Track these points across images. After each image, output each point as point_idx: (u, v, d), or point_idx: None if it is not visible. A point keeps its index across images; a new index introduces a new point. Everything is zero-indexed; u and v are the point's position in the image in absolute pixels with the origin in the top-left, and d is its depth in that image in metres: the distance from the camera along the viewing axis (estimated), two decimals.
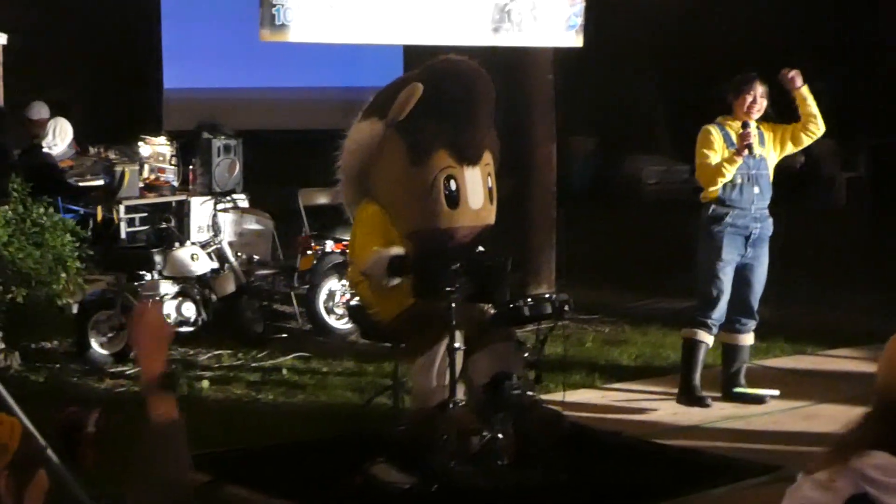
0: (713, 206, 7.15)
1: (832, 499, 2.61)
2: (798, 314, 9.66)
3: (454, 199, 6.10)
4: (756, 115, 7.16)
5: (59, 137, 10.55)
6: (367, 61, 13.44)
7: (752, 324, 7.35)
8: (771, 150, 7.22)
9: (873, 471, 2.57)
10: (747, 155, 7.03)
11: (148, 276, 8.65)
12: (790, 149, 7.29)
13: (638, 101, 18.58)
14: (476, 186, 6.16)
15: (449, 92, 6.08)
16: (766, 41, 16.62)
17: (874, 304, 9.90)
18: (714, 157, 7.09)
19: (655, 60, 18.29)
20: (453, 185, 6.09)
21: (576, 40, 9.31)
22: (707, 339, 7.26)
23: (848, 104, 15.38)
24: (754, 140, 7.04)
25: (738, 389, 7.33)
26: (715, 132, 7.16)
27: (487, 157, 6.29)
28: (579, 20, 9.25)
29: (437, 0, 8.40)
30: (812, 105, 7.18)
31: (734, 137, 7.10)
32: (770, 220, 7.23)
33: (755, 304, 7.30)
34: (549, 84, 10.25)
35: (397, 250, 5.95)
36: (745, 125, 7.07)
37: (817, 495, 2.67)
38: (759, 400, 7.27)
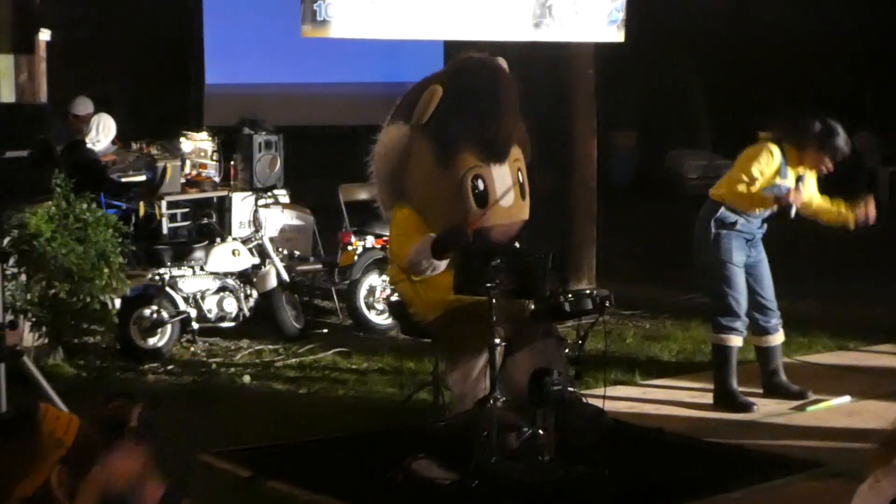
0: (723, 210, 7.10)
1: (877, 500, 2.60)
2: (840, 309, 9.60)
3: (483, 198, 6.10)
4: (820, 173, 7.11)
5: (102, 133, 10.62)
6: (407, 56, 13.44)
7: (777, 320, 7.26)
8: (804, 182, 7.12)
9: None
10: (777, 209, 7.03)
11: (190, 272, 8.70)
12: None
13: (679, 96, 18.49)
14: (505, 184, 6.15)
15: (470, 90, 6.09)
16: (807, 36, 16.52)
17: None
18: (760, 181, 6.96)
19: (696, 55, 18.18)
20: (481, 185, 6.08)
21: (617, 35, 9.27)
22: (737, 342, 7.17)
23: (889, 97, 15.24)
24: (799, 199, 7.00)
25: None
26: (776, 156, 6.99)
27: (517, 153, 6.28)
28: (621, 15, 9.21)
29: None
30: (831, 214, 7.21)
31: (789, 169, 7.01)
32: (765, 223, 7.22)
33: (772, 300, 7.22)
34: (590, 79, 10.22)
35: (433, 235, 5.96)
36: (799, 178, 6.99)
37: (870, 496, 2.65)
38: (801, 395, 7.20)
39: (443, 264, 5.94)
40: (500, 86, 6.19)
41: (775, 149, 6.98)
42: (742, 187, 6.98)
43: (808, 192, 7.12)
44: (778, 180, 6.98)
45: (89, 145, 10.40)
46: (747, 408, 7.06)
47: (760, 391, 7.31)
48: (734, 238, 7.07)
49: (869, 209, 7.12)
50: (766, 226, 7.21)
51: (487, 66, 6.26)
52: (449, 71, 6.40)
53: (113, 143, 10.70)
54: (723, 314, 7.14)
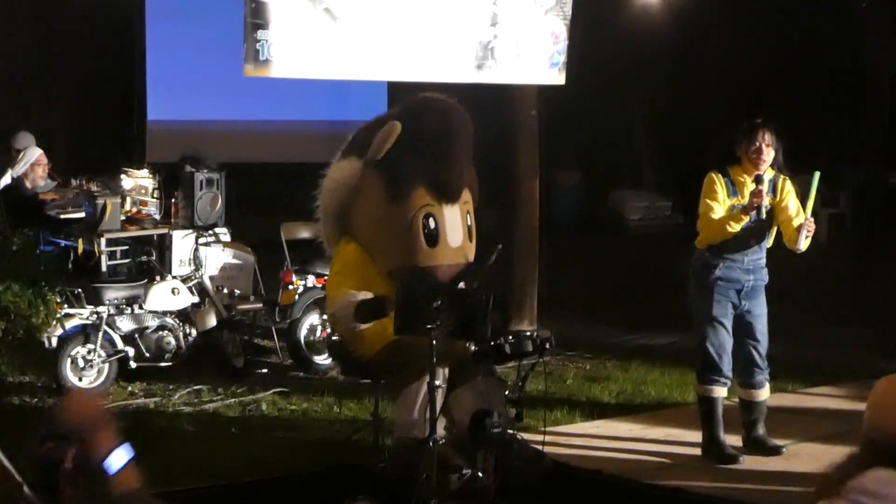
0: (704, 254, 6.91)
1: None
2: (779, 351, 9.65)
3: (433, 237, 6.11)
4: (763, 165, 6.79)
5: (21, 165, 10.44)
6: (351, 96, 13.46)
7: (763, 376, 7.03)
8: (780, 199, 6.86)
9: (873, 483, 2.57)
10: (755, 214, 6.74)
11: (129, 310, 8.62)
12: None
13: (622, 137, 18.64)
14: (455, 224, 6.17)
15: (427, 130, 6.12)
16: (752, 76, 16.72)
17: (855, 341, 9.92)
18: (718, 208, 6.79)
19: (639, 96, 18.36)
20: (432, 223, 6.10)
21: (558, 78, 9.33)
22: (721, 392, 6.97)
23: (831, 139, 15.44)
24: (766, 197, 6.72)
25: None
26: (719, 181, 6.82)
27: (466, 195, 6.31)
28: (562, 58, 9.28)
29: (421, 37, 8.42)
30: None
31: (739, 188, 6.82)
32: (765, 271, 6.95)
33: (761, 356, 6.99)
34: (532, 120, 10.27)
35: (366, 295, 5.95)
36: (758, 179, 6.76)
37: None
38: (776, 451, 6.98)
39: (363, 327, 5.94)
40: (457, 127, 6.24)
41: (715, 175, 6.84)
42: (708, 221, 6.80)
43: (783, 203, 6.84)
44: (735, 201, 6.80)
45: (10, 178, 10.26)
46: (733, 459, 6.87)
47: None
48: (717, 290, 6.83)
49: (808, 224, 6.77)
50: (765, 271, 6.94)
51: (445, 108, 6.31)
52: (406, 109, 6.42)
53: (52, 178, 10.60)
54: (705, 366, 6.93)
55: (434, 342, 5.61)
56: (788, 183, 6.91)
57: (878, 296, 11.52)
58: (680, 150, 17.50)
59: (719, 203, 6.80)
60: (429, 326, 5.61)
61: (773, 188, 6.85)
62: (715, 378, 6.91)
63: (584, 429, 7.63)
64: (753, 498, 6.21)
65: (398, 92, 8.18)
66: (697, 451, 7.07)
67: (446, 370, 5.89)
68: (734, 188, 6.83)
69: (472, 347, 6.05)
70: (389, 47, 8.30)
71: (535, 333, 6.24)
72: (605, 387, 8.73)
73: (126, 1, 14.03)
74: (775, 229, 6.94)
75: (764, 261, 6.97)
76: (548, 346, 6.09)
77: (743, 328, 6.95)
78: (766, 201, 6.72)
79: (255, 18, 7.54)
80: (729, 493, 6.34)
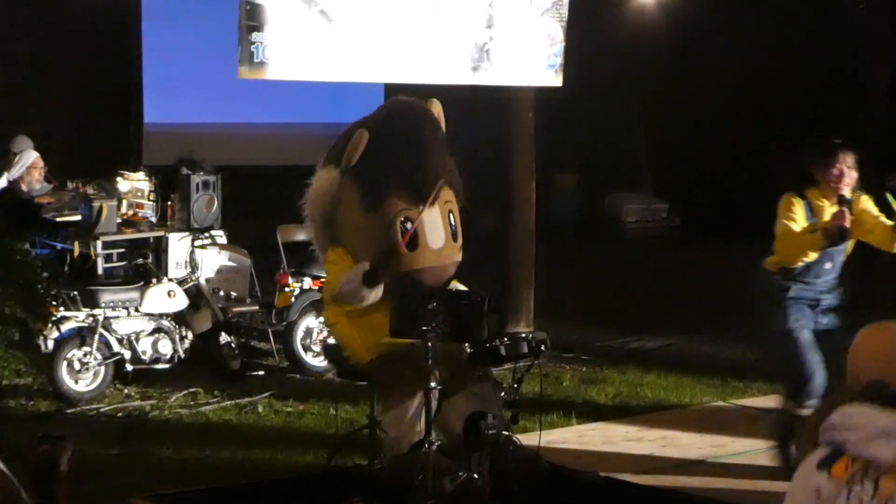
0: (775, 276, 6.60)
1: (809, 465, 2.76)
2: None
3: (413, 241, 6.12)
4: (846, 189, 6.43)
5: (17, 168, 10.43)
6: (348, 98, 13.44)
7: None
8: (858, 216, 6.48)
9: (839, 416, 2.72)
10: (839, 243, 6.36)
11: (125, 313, 8.61)
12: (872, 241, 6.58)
13: (619, 139, 18.65)
14: (435, 226, 6.18)
15: (396, 134, 6.15)
16: (749, 79, 16.73)
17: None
18: (796, 230, 6.44)
19: (637, 98, 18.38)
20: (410, 228, 6.11)
21: (555, 79, 9.34)
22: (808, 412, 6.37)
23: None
24: (848, 218, 6.32)
25: None
26: (797, 204, 6.49)
27: (448, 195, 6.31)
28: (559, 60, 9.29)
29: (417, 39, 8.43)
30: None
31: (817, 212, 6.48)
32: (840, 289, 6.66)
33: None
34: (529, 122, 10.27)
35: (365, 264, 5.96)
36: (841, 200, 6.39)
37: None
38: None
39: (372, 295, 5.93)
40: (426, 129, 6.25)
41: (793, 198, 6.50)
42: (787, 242, 6.47)
43: (865, 212, 6.52)
44: (813, 226, 6.45)
45: (7, 181, 10.25)
46: None
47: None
48: (793, 308, 6.53)
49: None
50: (837, 293, 6.65)
51: (413, 110, 6.33)
52: (376, 115, 6.46)
53: (48, 181, 10.59)
54: (797, 389, 6.49)
55: (429, 344, 5.61)
56: (864, 197, 6.61)
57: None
58: (677, 152, 17.52)
59: (798, 225, 6.47)
60: (424, 329, 5.61)
61: (849, 207, 6.47)
62: (808, 397, 6.42)
63: (580, 431, 7.63)
64: (751, 498, 6.20)
65: (396, 94, 8.18)
66: (693, 454, 7.07)
67: (441, 373, 5.88)
68: (812, 212, 6.51)
69: (468, 349, 6.04)
70: (385, 49, 8.30)
71: (531, 335, 6.24)
72: (601, 389, 8.73)
73: (122, 4, 14.02)
74: (851, 246, 6.63)
75: (838, 280, 6.69)
76: (543, 348, 6.08)
77: (827, 345, 6.51)
78: (847, 222, 6.35)
79: (250, 21, 7.55)
80: (725, 494, 6.34)
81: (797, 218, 6.48)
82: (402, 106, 6.37)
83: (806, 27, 16.23)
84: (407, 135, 6.17)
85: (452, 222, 6.30)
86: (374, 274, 5.92)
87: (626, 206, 18.24)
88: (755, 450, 7.16)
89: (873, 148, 15.51)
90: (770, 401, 8.44)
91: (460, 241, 6.36)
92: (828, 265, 6.59)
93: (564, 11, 9.20)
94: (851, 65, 16.20)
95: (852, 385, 2.82)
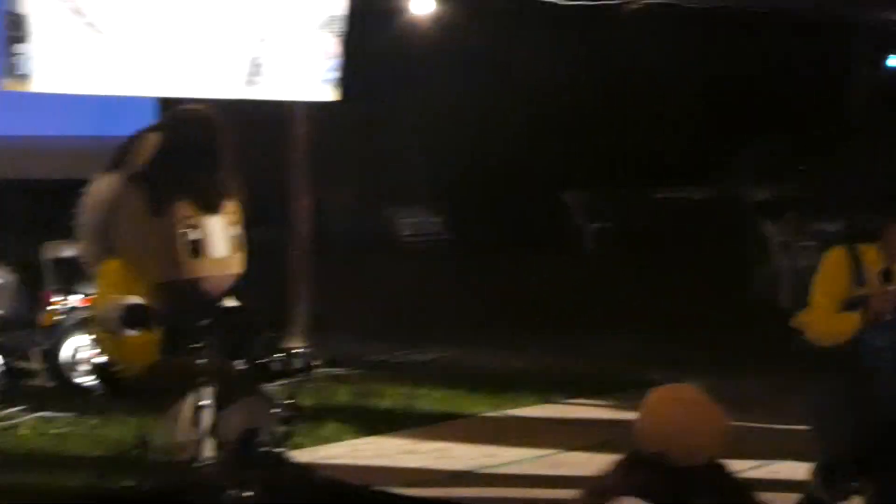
0: (809, 342, 5.45)
1: None
2: (545, 362, 9.91)
3: (197, 249, 6.06)
4: None
5: None
6: (119, 111, 13.16)
7: None
8: None
9: None
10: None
11: None
12: None
13: (396, 153, 18.80)
14: (219, 235, 6.13)
15: (185, 141, 6.09)
16: (526, 94, 17.12)
17: (620, 352, 10.24)
18: (831, 303, 5.35)
19: (414, 113, 18.56)
20: (195, 235, 6.05)
21: (332, 94, 9.37)
22: None
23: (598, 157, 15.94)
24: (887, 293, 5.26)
25: None
26: (843, 265, 5.35)
27: (231, 205, 6.28)
28: (335, 74, 9.32)
29: (189, 51, 8.33)
30: None
31: (868, 276, 5.34)
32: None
33: None
34: (304, 136, 10.26)
35: (135, 299, 5.84)
36: (886, 275, 5.27)
37: None
38: None
39: (131, 333, 5.83)
40: (215, 137, 6.20)
41: (838, 254, 5.38)
42: (815, 317, 5.42)
43: None
44: (856, 290, 5.35)
45: None
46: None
47: None
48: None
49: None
50: None
51: (203, 118, 6.26)
52: (165, 121, 6.38)
53: None
54: None
55: (200, 361, 5.54)
56: None
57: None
58: (452, 167, 17.78)
59: (836, 295, 5.36)
60: (194, 346, 5.54)
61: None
62: None
63: (354, 445, 7.65)
64: None
65: (169, 107, 8.04)
66: (466, 464, 7.17)
67: (214, 389, 5.81)
68: (862, 275, 5.36)
69: (241, 366, 5.99)
70: (157, 62, 8.18)
71: (305, 350, 6.23)
72: (376, 402, 8.77)
73: None
74: None
75: None
76: (317, 362, 6.08)
77: None
78: (888, 305, 5.28)
79: (14, 31, 7.33)
80: (498, 502, 6.46)
81: (836, 287, 5.36)
82: (191, 113, 6.31)
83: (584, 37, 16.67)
84: (197, 142, 6.11)
85: (235, 233, 6.27)
86: (141, 314, 5.79)
87: (402, 219, 18.42)
88: (526, 458, 7.33)
89: None
90: (540, 410, 8.66)
91: (242, 252, 6.33)
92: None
93: (341, 25, 9.23)
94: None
95: (643, 451, 2.82)
